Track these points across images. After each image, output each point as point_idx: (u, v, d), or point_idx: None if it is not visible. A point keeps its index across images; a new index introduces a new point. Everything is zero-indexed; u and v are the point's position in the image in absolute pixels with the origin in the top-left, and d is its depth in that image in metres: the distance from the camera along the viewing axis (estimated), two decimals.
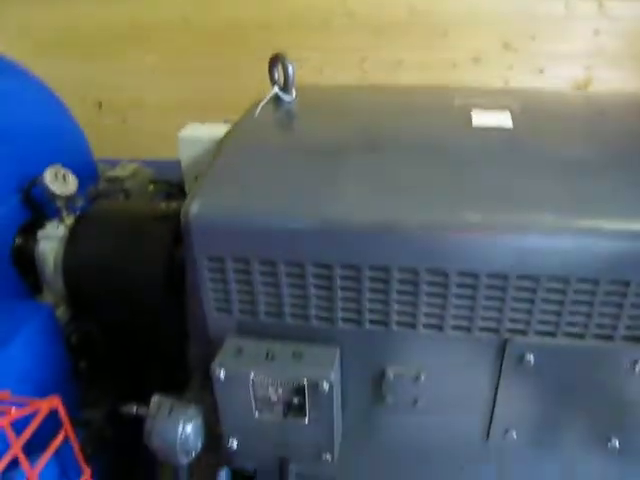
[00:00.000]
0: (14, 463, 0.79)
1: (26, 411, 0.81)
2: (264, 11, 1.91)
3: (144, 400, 1.17)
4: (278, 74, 0.94)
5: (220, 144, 0.89)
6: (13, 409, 0.79)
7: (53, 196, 1.13)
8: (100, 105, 2.18)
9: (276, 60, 0.93)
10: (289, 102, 0.94)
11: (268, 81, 1.84)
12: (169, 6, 1.98)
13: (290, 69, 0.91)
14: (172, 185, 1.47)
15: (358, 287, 0.69)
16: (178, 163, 1.68)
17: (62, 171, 1.14)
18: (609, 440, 0.76)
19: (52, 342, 1.08)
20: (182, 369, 1.30)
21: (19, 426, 0.80)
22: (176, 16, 1.99)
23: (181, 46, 2.03)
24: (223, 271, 0.71)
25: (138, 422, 0.90)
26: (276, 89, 0.92)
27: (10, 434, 0.76)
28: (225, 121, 1.42)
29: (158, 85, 2.11)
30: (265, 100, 0.91)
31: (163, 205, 1.09)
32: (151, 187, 1.44)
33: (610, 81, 1.92)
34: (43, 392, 0.91)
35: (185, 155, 1.32)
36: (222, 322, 0.75)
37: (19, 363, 1.00)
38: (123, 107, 2.18)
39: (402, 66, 1.92)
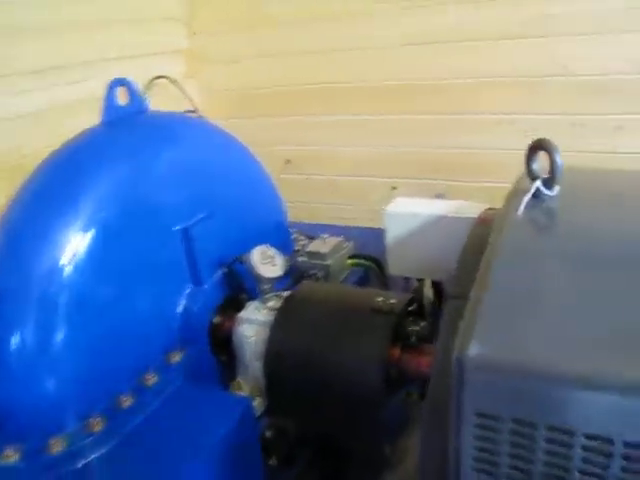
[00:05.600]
0: None
1: None
2: (463, 69, 1.78)
3: None
4: (539, 164, 0.78)
5: (470, 248, 0.75)
6: None
7: (259, 278, 1.05)
8: (288, 161, 2.16)
9: (538, 148, 0.77)
10: (551, 197, 0.78)
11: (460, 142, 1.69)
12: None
13: (558, 161, 0.75)
14: (370, 260, 1.37)
15: None
16: (368, 231, 1.59)
17: (270, 252, 1.06)
18: None
19: (247, 437, 0.99)
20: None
21: None
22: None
23: (365, 104, 1.96)
24: (496, 431, 0.56)
25: None
26: (539, 184, 0.76)
27: None
28: (437, 196, 1.30)
29: (346, 142, 2.05)
30: (526, 198, 0.75)
31: (380, 299, 0.97)
32: (348, 261, 1.34)
33: None
34: None
35: (391, 230, 1.21)
36: None
37: (214, 456, 0.92)
38: (310, 164, 2.13)
39: (622, 131, 1.69)
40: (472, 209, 1.12)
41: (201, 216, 1.10)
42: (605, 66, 1.64)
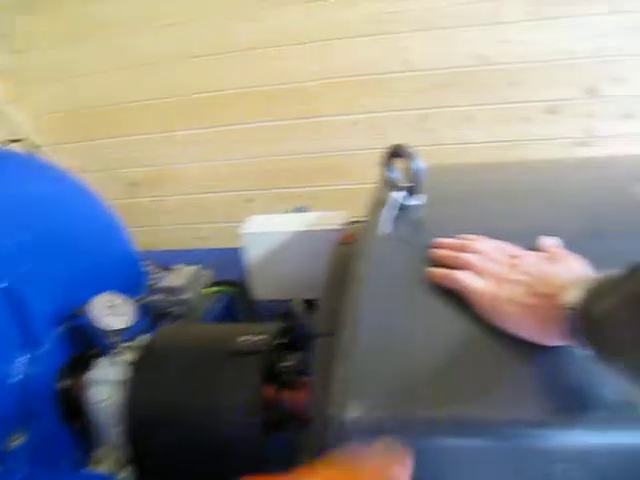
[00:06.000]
0: None
1: None
2: (307, 71, 1.72)
3: None
4: (397, 171, 0.72)
5: (335, 275, 0.66)
6: None
7: (104, 332, 0.91)
8: (134, 184, 1.98)
9: (394, 155, 0.70)
10: (416, 205, 0.71)
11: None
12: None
13: (418, 167, 0.69)
14: (232, 285, 1.26)
15: None
16: (228, 252, 1.47)
17: (113, 299, 0.92)
18: None
19: None
20: None
21: None
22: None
23: (214, 115, 1.84)
24: None
25: None
26: (400, 196, 0.69)
27: None
28: (298, 209, 1.21)
29: (195, 158, 1.91)
30: (388, 214, 0.68)
31: (245, 338, 0.86)
32: (209, 290, 1.22)
33: None
34: None
35: (250, 252, 1.11)
36: None
37: None
38: (160, 185, 1.98)
39: (472, 122, 1.71)
40: (333, 219, 1.05)
41: (26, 267, 0.94)
42: (449, 60, 1.65)
